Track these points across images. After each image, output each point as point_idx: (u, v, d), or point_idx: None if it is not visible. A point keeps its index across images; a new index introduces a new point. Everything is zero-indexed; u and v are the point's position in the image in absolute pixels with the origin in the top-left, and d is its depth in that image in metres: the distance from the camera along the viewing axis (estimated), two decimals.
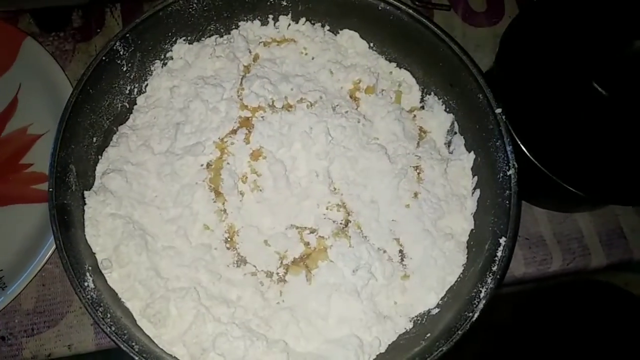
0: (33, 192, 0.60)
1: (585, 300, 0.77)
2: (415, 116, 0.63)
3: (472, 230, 0.56)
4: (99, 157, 0.55)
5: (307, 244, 0.55)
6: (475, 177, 0.57)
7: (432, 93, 0.61)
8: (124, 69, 0.55)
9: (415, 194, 0.57)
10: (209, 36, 0.61)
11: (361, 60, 0.63)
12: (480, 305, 0.47)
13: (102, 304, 0.46)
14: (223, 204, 0.55)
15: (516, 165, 0.51)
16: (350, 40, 0.63)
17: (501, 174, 0.52)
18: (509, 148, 0.52)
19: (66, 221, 0.48)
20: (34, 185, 0.61)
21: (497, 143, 0.53)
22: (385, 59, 0.63)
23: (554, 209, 0.65)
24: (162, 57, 0.59)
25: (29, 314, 0.57)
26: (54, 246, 0.56)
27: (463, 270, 0.54)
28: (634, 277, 0.75)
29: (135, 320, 0.49)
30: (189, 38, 0.60)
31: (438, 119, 0.61)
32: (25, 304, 0.57)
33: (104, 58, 0.52)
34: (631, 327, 0.71)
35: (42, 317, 0.57)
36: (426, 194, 0.57)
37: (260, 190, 0.56)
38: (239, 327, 0.50)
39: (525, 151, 0.54)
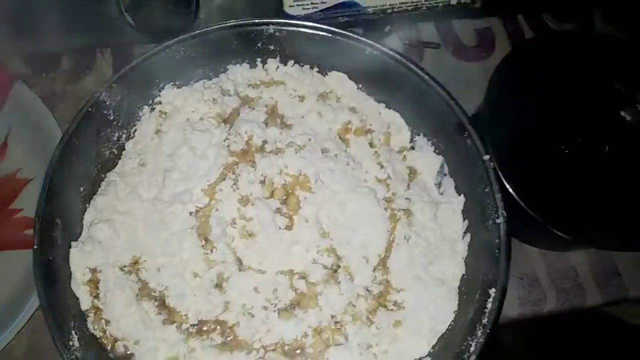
0: (23, 237, 0.60)
1: (580, 329, 0.76)
2: (405, 157, 0.62)
3: (463, 275, 0.55)
4: (87, 205, 0.55)
5: (296, 290, 0.55)
6: (466, 221, 0.57)
7: (421, 134, 0.61)
8: (111, 118, 0.55)
9: (406, 239, 0.57)
10: (197, 80, 0.61)
11: (350, 102, 0.63)
12: None
13: None
14: (212, 251, 0.55)
15: (505, 214, 0.51)
16: (339, 81, 0.63)
17: (490, 221, 0.52)
18: (497, 196, 0.51)
19: (51, 277, 0.48)
20: (24, 231, 0.60)
21: (486, 190, 0.53)
22: (374, 99, 0.63)
23: (546, 249, 0.65)
24: (151, 102, 0.59)
25: None
26: None
27: (454, 317, 0.53)
28: (631, 307, 0.74)
29: None
30: (177, 83, 0.60)
31: (427, 159, 0.61)
32: (16, 351, 0.57)
33: (89, 109, 0.52)
34: (628, 357, 0.71)
35: None
36: (416, 239, 0.57)
37: (250, 236, 0.56)
38: None
39: (516, 197, 0.53)
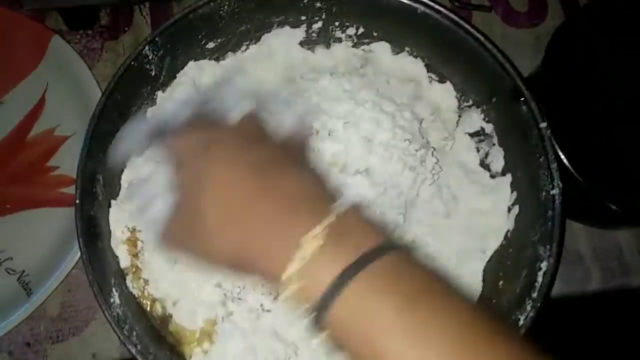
0: (60, 195, 0.59)
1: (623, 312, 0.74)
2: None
3: (509, 249, 0.53)
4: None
5: None
6: (515, 193, 0.54)
7: (470, 101, 0.59)
8: (153, 74, 0.54)
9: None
10: (239, 38, 0.58)
11: None
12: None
13: (127, 321, 0.45)
14: None
15: (561, 185, 0.48)
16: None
17: (544, 193, 0.49)
18: (553, 165, 0.49)
19: (92, 233, 0.47)
20: (61, 188, 0.60)
21: (540, 159, 0.50)
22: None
23: (594, 226, 0.62)
24: (193, 59, 0.57)
25: (53, 320, 0.56)
26: None
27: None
28: None
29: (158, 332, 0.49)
30: (219, 40, 0.57)
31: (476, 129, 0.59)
32: (50, 310, 0.57)
33: (132, 63, 0.50)
34: None
35: (67, 324, 0.56)
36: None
37: None
38: None
39: (572, 170, 0.51)
